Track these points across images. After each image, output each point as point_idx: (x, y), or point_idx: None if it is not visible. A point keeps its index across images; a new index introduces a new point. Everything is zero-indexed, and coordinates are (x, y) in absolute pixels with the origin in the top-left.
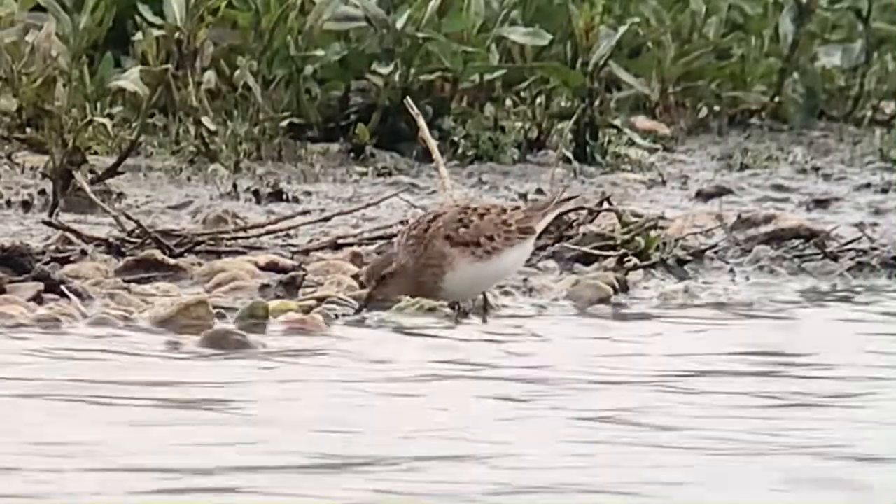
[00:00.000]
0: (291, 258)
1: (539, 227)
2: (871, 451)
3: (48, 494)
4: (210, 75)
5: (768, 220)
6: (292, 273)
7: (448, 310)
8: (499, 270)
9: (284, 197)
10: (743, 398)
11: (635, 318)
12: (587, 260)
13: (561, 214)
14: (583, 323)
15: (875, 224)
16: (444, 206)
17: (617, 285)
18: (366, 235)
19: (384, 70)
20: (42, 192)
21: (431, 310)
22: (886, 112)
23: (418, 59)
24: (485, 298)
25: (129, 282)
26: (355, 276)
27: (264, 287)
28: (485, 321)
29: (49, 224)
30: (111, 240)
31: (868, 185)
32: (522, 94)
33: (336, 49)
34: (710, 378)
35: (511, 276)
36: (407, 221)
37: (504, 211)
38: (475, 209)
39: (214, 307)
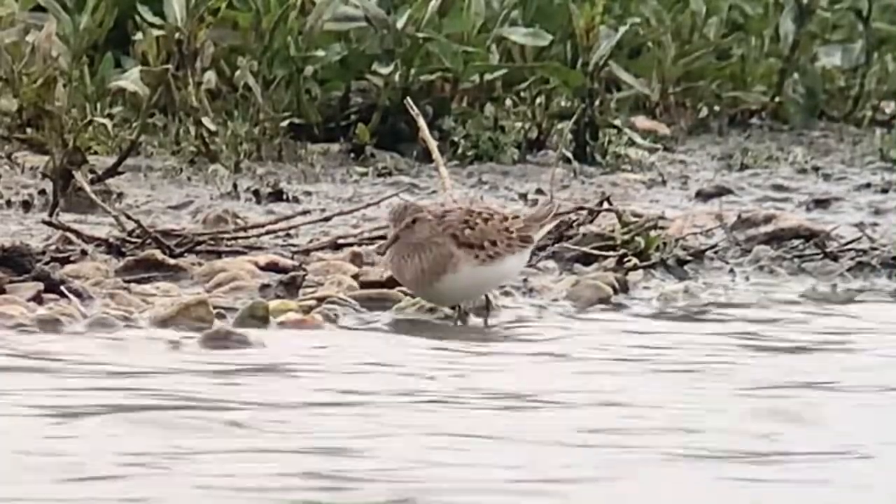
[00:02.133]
0: (292, 258)
1: (536, 238)
2: None
3: None
4: (210, 75)
5: (768, 220)
6: (292, 273)
7: (448, 310)
8: (498, 276)
9: (285, 197)
10: None
11: None
12: (587, 260)
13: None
14: None
15: (875, 224)
16: (449, 205)
17: (617, 285)
18: (366, 235)
19: (384, 70)
20: (42, 192)
21: (431, 310)
22: (886, 112)
23: (418, 59)
24: (487, 300)
25: (129, 282)
26: (355, 276)
27: (264, 287)
28: (486, 324)
29: (49, 224)
30: (111, 240)
31: (868, 185)
32: (522, 94)
33: (336, 49)
34: None
35: (507, 283)
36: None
37: (505, 218)
38: (479, 213)
39: (214, 307)
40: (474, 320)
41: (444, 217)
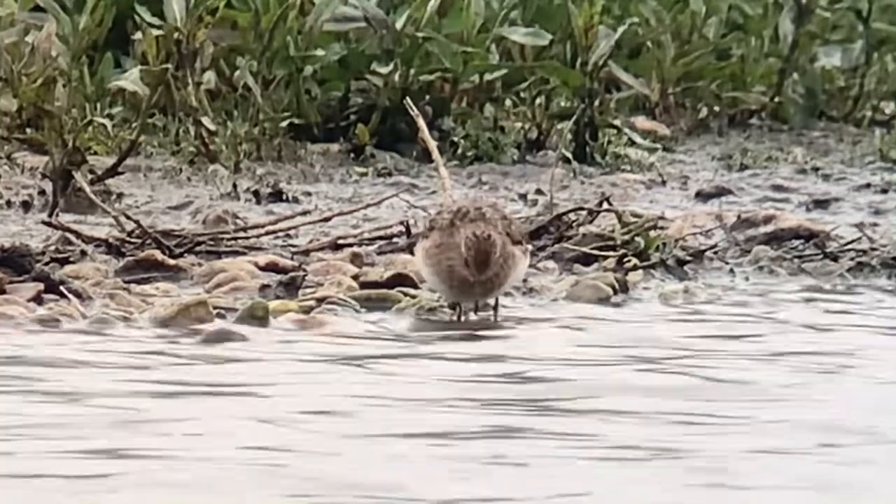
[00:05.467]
0: (291, 258)
1: None
2: None
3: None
4: (210, 75)
5: (768, 220)
6: (292, 273)
7: (448, 310)
8: (525, 270)
9: (284, 197)
10: None
11: None
12: (587, 260)
13: (557, 218)
14: None
15: (875, 224)
16: (477, 203)
17: (617, 286)
18: (366, 236)
19: (384, 70)
20: (42, 192)
21: (431, 310)
22: (886, 112)
23: (418, 59)
24: (496, 299)
25: (129, 282)
26: (355, 277)
27: (264, 287)
28: (495, 319)
29: (49, 224)
30: (111, 240)
31: (868, 186)
32: (522, 94)
33: (336, 49)
34: None
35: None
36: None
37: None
38: (501, 210)
39: (214, 307)
40: (473, 318)
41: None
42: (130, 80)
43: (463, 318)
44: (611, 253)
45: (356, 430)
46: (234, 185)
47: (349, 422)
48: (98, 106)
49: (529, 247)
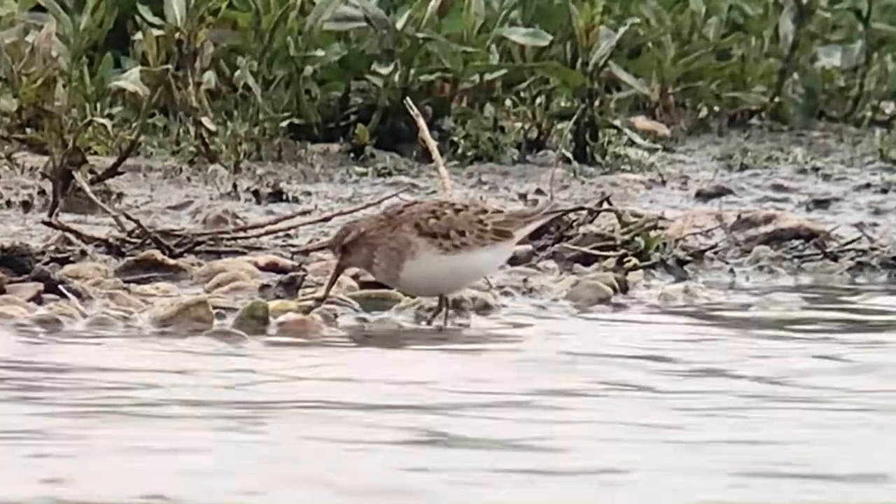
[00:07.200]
0: (291, 258)
1: (519, 234)
2: None
3: None
4: (210, 76)
5: (768, 220)
6: (292, 273)
7: (451, 310)
8: (465, 269)
9: (284, 197)
10: None
11: None
12: (587, 260)
13: (558, 218)
14: None
15: (875, 224)
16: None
17: (617, 286)
18: None
19: (384, 70)
20: (42, 192)
21: (431, 310)
22: (886, 112)
23: (418, 59)
24: (445, 302)
25: (128, 282)
26: (355, 277)
27: (264, 287)
28: (441, 328)
29: (49, 224)
30: (111, 240)
31: (868, 186)
32: (522, 94)
33: (336, 49)
34: None
35: (481, 279)
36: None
37: (484, 211)
38: (453, 204)
39: (214, 307)
40: (473, 319)
41: (402, 212)
42: (130, 80)
43: (437, 318)
44: (611, 253)
45: (356, 431)
46: (234, 185)
47: (352, 423)
48: (98, 106)
49: (471, 243)
